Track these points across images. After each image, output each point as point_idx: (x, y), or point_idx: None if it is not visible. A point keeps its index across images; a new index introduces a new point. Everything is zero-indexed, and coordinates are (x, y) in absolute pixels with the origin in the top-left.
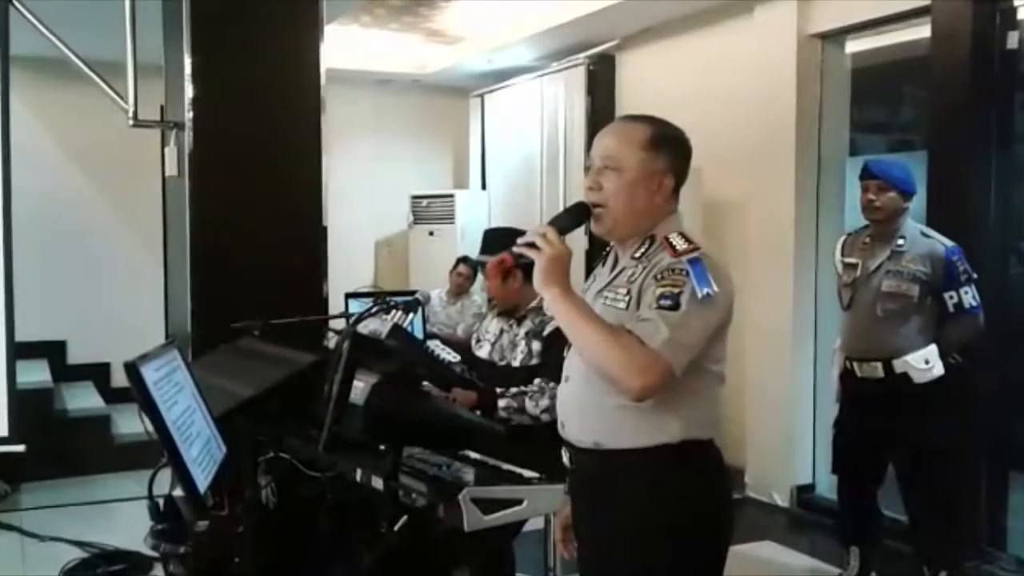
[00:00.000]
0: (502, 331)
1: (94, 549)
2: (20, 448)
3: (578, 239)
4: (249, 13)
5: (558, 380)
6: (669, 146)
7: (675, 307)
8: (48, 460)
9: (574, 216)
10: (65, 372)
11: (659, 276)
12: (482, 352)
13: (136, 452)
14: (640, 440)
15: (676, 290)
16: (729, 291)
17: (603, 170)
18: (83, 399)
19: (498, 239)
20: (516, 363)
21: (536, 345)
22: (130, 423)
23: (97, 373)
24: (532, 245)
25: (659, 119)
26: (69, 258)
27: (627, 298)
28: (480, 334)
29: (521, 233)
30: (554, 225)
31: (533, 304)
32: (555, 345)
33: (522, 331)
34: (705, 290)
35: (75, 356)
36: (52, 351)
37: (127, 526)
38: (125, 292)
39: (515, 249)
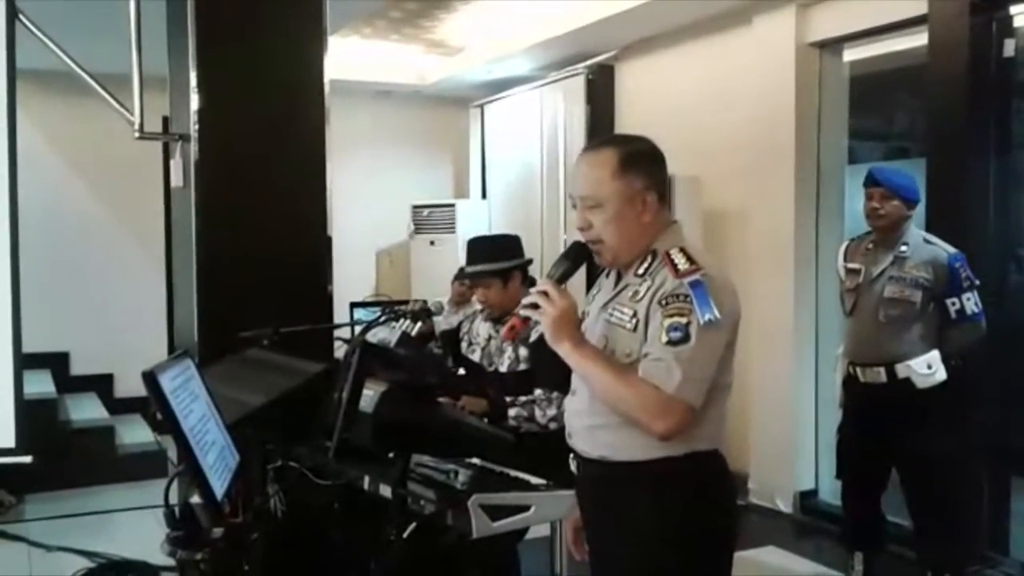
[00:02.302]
0: (490, 337)
1: (101, 559)
2: (27, 459)
3: None
4: (254, 25)
5: (552, 386)
6: (639, 163)
7: (685, 339)
8: (52, 471)
9: (573, 260)
10: (68, 383)
11: (664, 302)
12: (474, 356)
13: (140, 462)
14: (646, 453)
15: (684, 320)
16: (733, 309)
17: (586, 208)
18: (86, 410)
19: (479, 251)
20: (503, 368)
21: (523, 351)
22: (134, 433)
23: (100, 384)
24: (535, 306)
25: (620, 137)
26: (72, 270)
27: (634, 320)
28: (471, 336)
29: (503, 240)
30: (554, 274)
31: (518, 309)
32: (541, 351)
33: None
34: (707, 316)
35: (78, 367)
36: (55, 362)
37: (133, 536)
38: (128, 304)
39: (521, 312)
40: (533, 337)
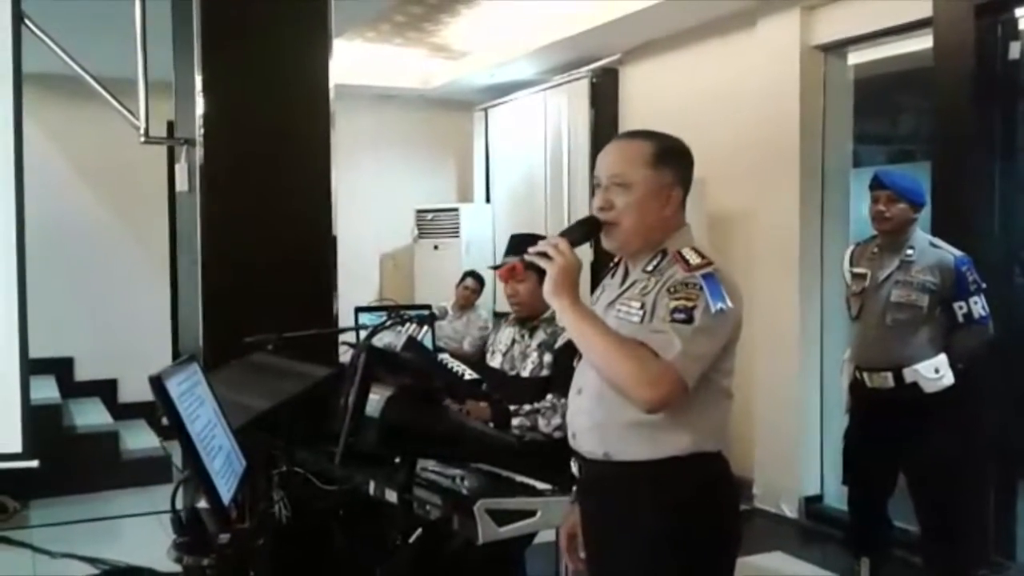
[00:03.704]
0: (514, 341)
1: (105, 565)
2: (34, 464)
3: (583, 251)
4: (259, 29)
5: (564, 393)
6: (673, 159)
7: (689, 320)
8: (56, 476)
9: (585, 230)
10: (73, 388)
11: (672, 289)
12: (494, 362)
13: (144, 468)
14: (650, 452)
15: (690, 304)
16: (737, 308)
17: (612, 187)
18: (91, 415)
19: (522, 244)
20: (525, 373)
21: (547, 357)
22: (138, 439)
23: (104, 389)
24: (544, 255)
25: (658, 133)
26: (76, 274)
27: (641, 312)
28: (494, 345)
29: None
30: (565, 236)
31: (547, 315)
32: (565, 358)
33: (534, 342)
34: (719, 305)
35: (82, 373)
36: (60, 367)
37: (138, 542)
38: (132, 309)
39: (527, 258)
40: (559, 343)
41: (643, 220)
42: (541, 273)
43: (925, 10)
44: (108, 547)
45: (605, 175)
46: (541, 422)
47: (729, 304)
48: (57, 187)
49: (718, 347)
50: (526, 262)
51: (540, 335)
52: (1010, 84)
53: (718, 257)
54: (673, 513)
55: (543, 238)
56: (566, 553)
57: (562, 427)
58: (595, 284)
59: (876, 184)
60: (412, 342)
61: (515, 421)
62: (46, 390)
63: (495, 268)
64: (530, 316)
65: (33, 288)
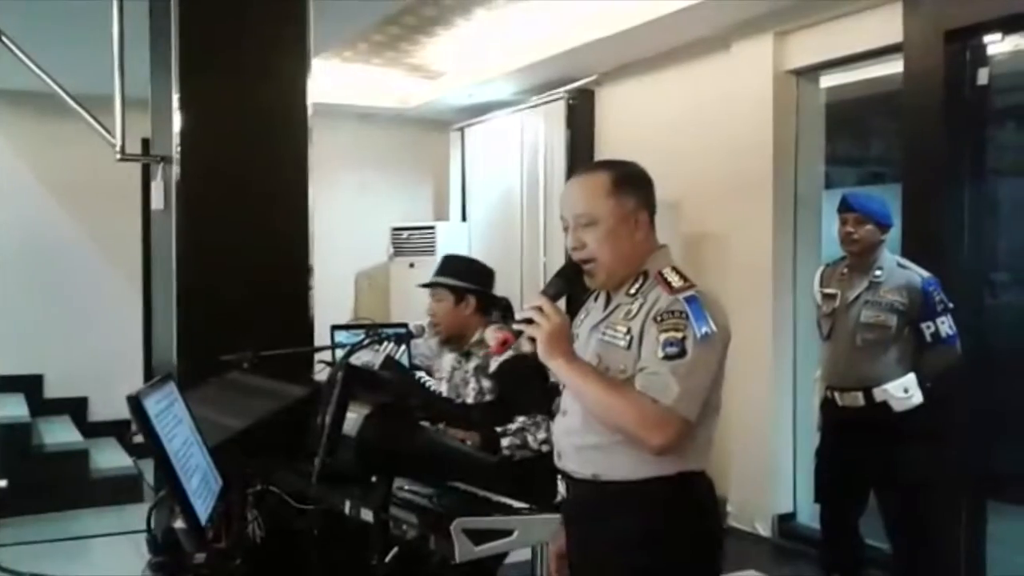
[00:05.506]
0: (454, 368)
1: None
2: (2, 483)
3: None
4: (237, 47)
5: (533, 410)
6: (632, 184)
7: (682, 354)
8: (25, 495)
9: (566, 279)
10: (42, 406)
11: (659, 318)
12: (442, 388)
13: (114, 487)
14: (637, 472)
15: (680, 335)
16: (726, 327)
17: (580, 227)
18: (60, 433)
19: (455, 265)
20: (470, 399)
21: (486, 383)
22: (108, 457)
23: (74, 407)
24: (529, 321)
25: (612, 161)
26: (46, 292)
27: (628, 337)
28: (439, 372)
29: (474, 264)
30: (548, 292)
31: (476, 337)
32: (504, 379)
33: (471, 367)
34: (704, 330)
35: (52, 390)
36: (29, 385)
37: (107, 562)
38: (103, 327)
39: (515, 327)
40: (493, 367)
41: (617, 250)
42: (457, 297)
43: (895, 35)
44: (78, 567)
45: (571, 216)
46: (530, 439)
47: (713, 328)
48: (30, 204)
49: (714, 372)
50: (515, 331)
51: (475, 360)
52: (978, 109)
53: (698, 278)
54: (658, 531)
55: (475, 261)
56: (555, 574)
57: (548, 440)
58: (571, 305)
59: (844, 206)
60: (390, 360)
61: (505, 442)
62: (15, 408)
63: (426, 286)
64: (451, 338)
65: (3, 304)
